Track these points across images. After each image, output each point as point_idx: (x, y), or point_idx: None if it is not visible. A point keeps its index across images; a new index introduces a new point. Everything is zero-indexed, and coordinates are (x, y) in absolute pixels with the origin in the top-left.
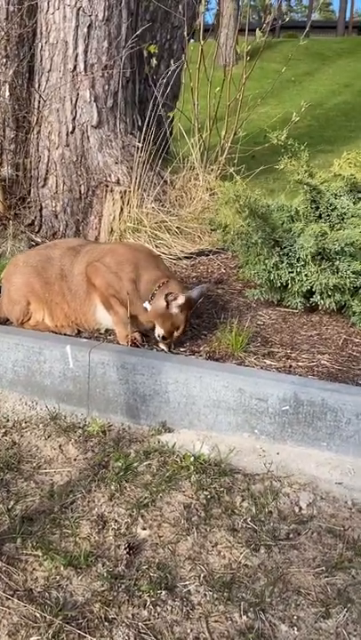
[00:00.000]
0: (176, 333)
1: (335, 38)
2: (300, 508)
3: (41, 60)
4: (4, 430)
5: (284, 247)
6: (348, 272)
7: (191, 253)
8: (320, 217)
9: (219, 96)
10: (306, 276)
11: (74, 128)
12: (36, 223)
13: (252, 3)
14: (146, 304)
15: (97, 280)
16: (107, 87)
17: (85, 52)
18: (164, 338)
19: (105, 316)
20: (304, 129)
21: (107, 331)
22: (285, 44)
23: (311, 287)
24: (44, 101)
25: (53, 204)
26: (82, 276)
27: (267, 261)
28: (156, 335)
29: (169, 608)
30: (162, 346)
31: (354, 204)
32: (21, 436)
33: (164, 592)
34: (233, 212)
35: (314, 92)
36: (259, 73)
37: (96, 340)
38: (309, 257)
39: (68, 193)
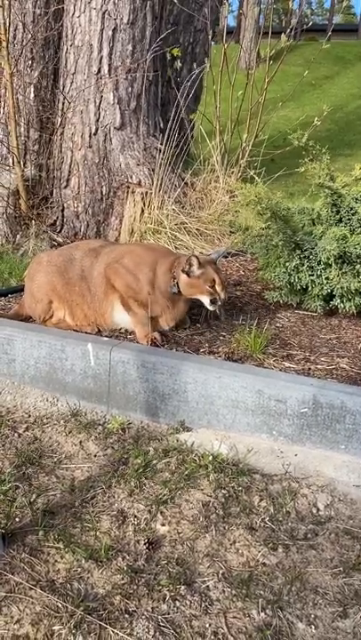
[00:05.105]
0: (219, 289)
1: (356, 41)
2: (318, 509)
3: (66, 63)
4: (25, 425)
5: (305, 250)
6: None
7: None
8: (340, 220)
9: (240, 99)
10: (326, 279)
11: (97, 130)
12: (57, 223)
13: (273, 6)
14: (173, 289)
15: (116, 282)
16: (130, 90)
17: (110, 54)
18: (212, 302)
19: (122, 318)
20: (324, 132)
21: (127, 330)
22: (306, 47)
23: (331, 290)
24: (69, 103)
25: (75, 205)
26: (101, 278)
27: (287, 264)
28: (207, 305)
29: (188, 603)
30: (211, 308)
31: None
32: (43, 431)
33: (183, 587)
34: (253, 214)
35: (334, 96)
36: (279, 76)
37: (117, 339)
38: (332, 259)
39: (90, 194)
